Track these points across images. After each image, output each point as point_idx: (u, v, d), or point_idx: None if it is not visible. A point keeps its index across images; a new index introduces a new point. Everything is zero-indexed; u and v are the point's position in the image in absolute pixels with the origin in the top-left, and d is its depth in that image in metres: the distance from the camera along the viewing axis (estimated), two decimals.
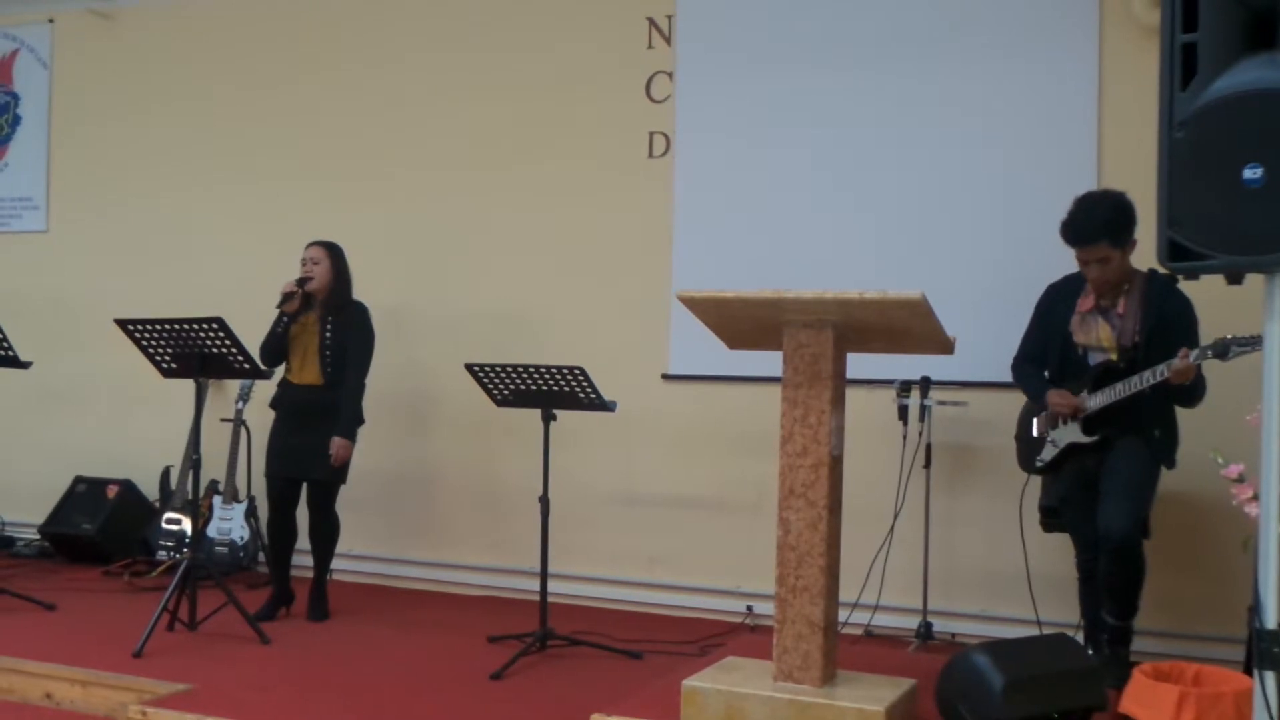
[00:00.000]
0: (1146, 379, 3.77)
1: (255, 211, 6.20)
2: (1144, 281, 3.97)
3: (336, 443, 4.82)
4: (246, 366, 4.58)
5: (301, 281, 4.92)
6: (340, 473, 4.94)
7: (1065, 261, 4.09)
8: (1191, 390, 3.78)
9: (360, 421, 4.98)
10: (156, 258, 6.45)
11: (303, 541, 5.03)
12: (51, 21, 6.85)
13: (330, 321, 4.94)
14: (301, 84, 6.18)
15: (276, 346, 4.93)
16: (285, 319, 4.92)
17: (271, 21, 6.28)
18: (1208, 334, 3.83)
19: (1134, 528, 3.80)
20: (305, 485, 4.95)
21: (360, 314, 5.01)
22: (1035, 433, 4.19)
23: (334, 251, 5.02)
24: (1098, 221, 3.90)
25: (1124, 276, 3.97)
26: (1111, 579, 3.88)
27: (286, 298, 4.90)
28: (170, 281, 6.32)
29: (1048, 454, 4.12)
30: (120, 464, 6.32)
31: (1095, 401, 3.94)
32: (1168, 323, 3.88)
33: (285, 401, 4.99)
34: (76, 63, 6.78)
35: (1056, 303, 4.14)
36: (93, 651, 4.23)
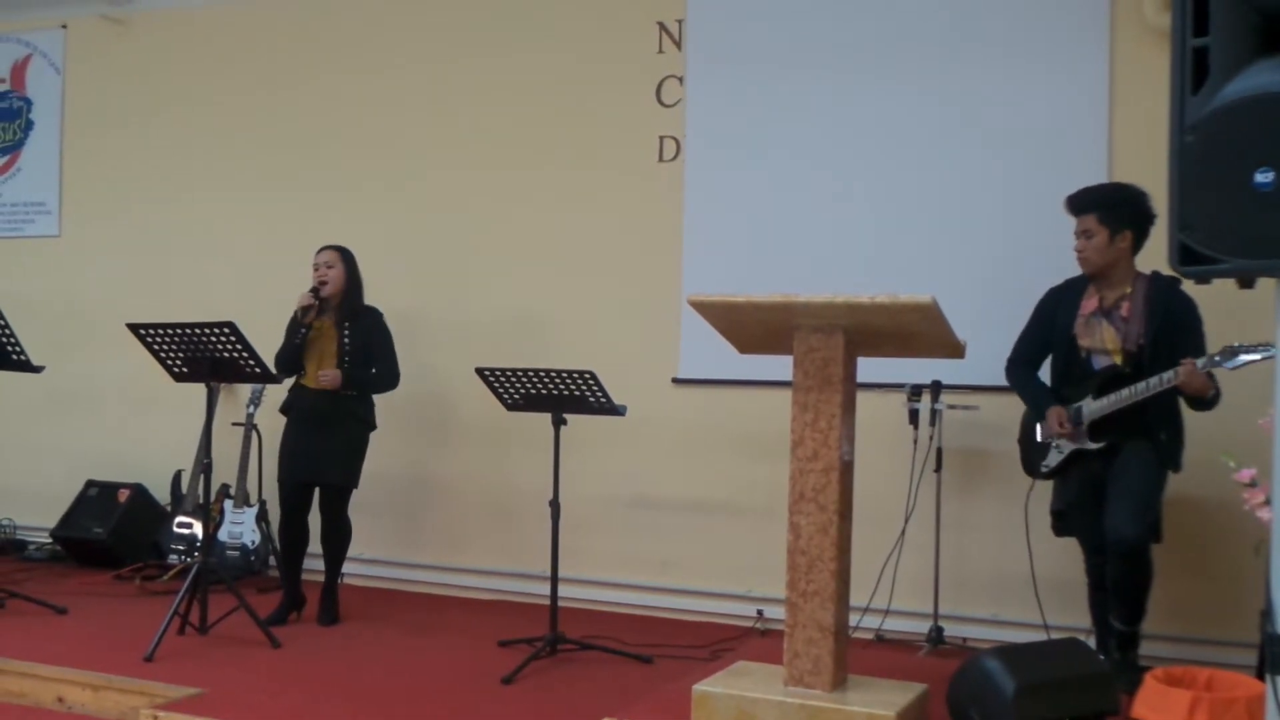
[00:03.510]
0: (1153, 385, 3.76)
1: (266, 216, 6.23)
2: (1147, 284, 3.97)
3: (331, 374, 4.84)
4: (258, 371, 4.59)
5: (317, 292, 4.93)
6: (352, 477, 4.96)
7: (1076, 266, 4.10)
8: (1210, 399, 3.77)
9: (372, 425, 5.03)
10: (168, 262, 6.48)
11: (314, 545, 5.04)
12: (64, 27, 6.89)
13: (348, 326, 4.96)
14: (312, 89, 6.21)
15: (295, 357, 4.93)
16: (304, 330, 4.92)
17: (282, 27, 6.31)
18: (1217, 337, 3.83)
19: (1142, 531, 3.80)
20: (318, 490, 4.97)
21: (377, 318, 5.05)
22: (1039, 438, 4.18)
23: (346, 255, 5.04)
24: (1094, 194, 4.02)
25: (1110, 263, 3.97)
26: (1119, 583, 3.87)
27: (306, 311, 4.91)
28: (182, 286, 6.35)
29: (1053, 459, 4.11)
30: (132, 468, 6.34)
31: (1100, 406, 3.93)
32: (1173, 325, 3.89)
33: (299, 406, 5.00)
34: (89, 68, 6.81)
35: (1059, 306, 4.14)
36: (104, 655, 4.25)
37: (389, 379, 5.03)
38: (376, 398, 5.08)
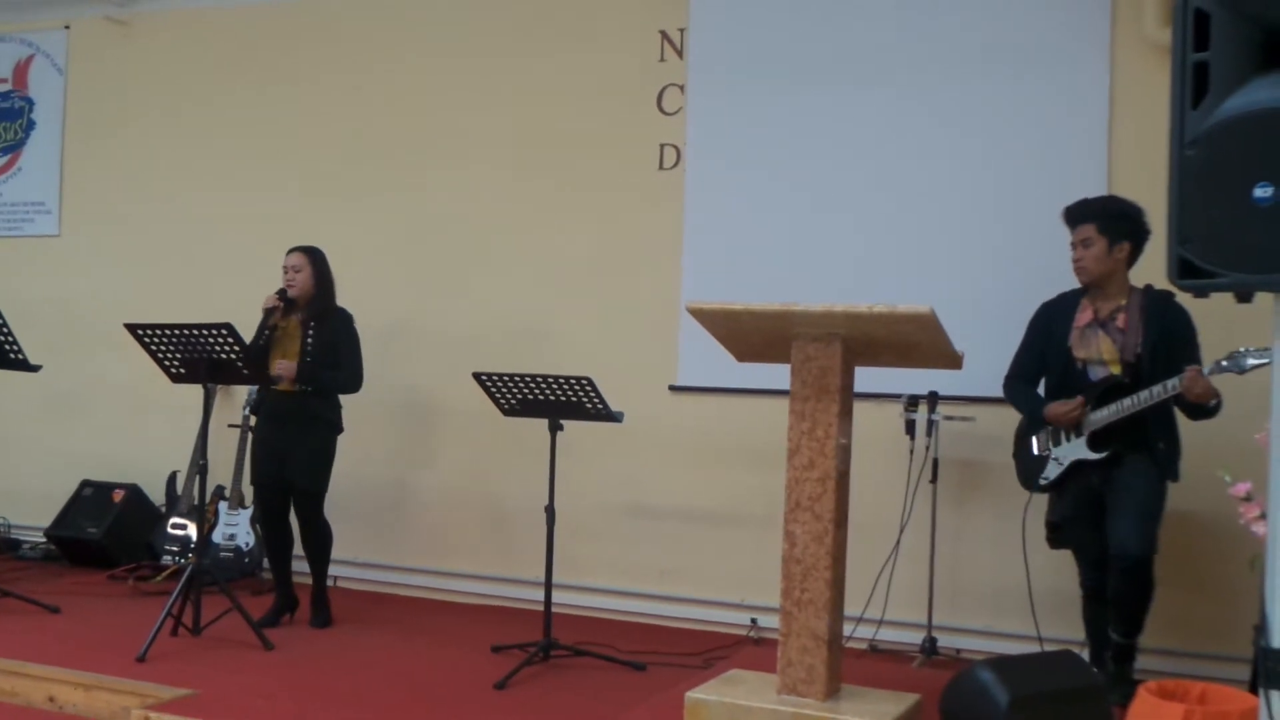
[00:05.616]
0: (1157, 394, 3.77)
1: (266, 218, 6.21)
2: (1141, 296, 3.99)
3: (285, 364, 4.80)
4: (255, 373, 4.58)
5: (282, 294, 4.92)
6: (319, 482, 4.91)
7: (1074, 280, 4.11)
8: (1213, 407, 3.78)
9: (338, 428, 4.98)
10: (167, 263, 6.48)
11: (301, 548, 5.03)
12: (67, 28, 6.89)
13: (313, 327, 4.93)
14: (313, 92, 6.21)
15: (260, 358, 4.88)
16: (268, 332, 4.91)
17: (284, 29, 6.31)
18: (1214, 349, 3.84)
19: (1147, 545, 3.80)
20: (291, 493, 4.94)
21: (345, 320, 4.99)
22: (1036, 451, 4.17)
23: (315, 256, 5.00)
24: (1093, 204, 4.05)
25: (1107, 273, 3.99)
26: (1121, 596, 3.88)
27: (269, 313, 4.90)
28: (181, 286, 6.34)
29: (1051, 471, 4.11)
30: (127, 468, 6.33)
31: (1100, 416, 3.93)
32: (1169, 336, 3.90)
33: (265, 407, 4.99)
34: (92, 69, 6.81)
35: (1053, 319, 4.15)
36: (96, 655, 4.24)
37: (349, 381, 4.96)
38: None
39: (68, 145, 6.86)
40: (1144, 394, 3.81)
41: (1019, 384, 4.26)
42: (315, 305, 4.95)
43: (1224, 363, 3.62)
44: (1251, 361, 3.56)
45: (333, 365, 4.90)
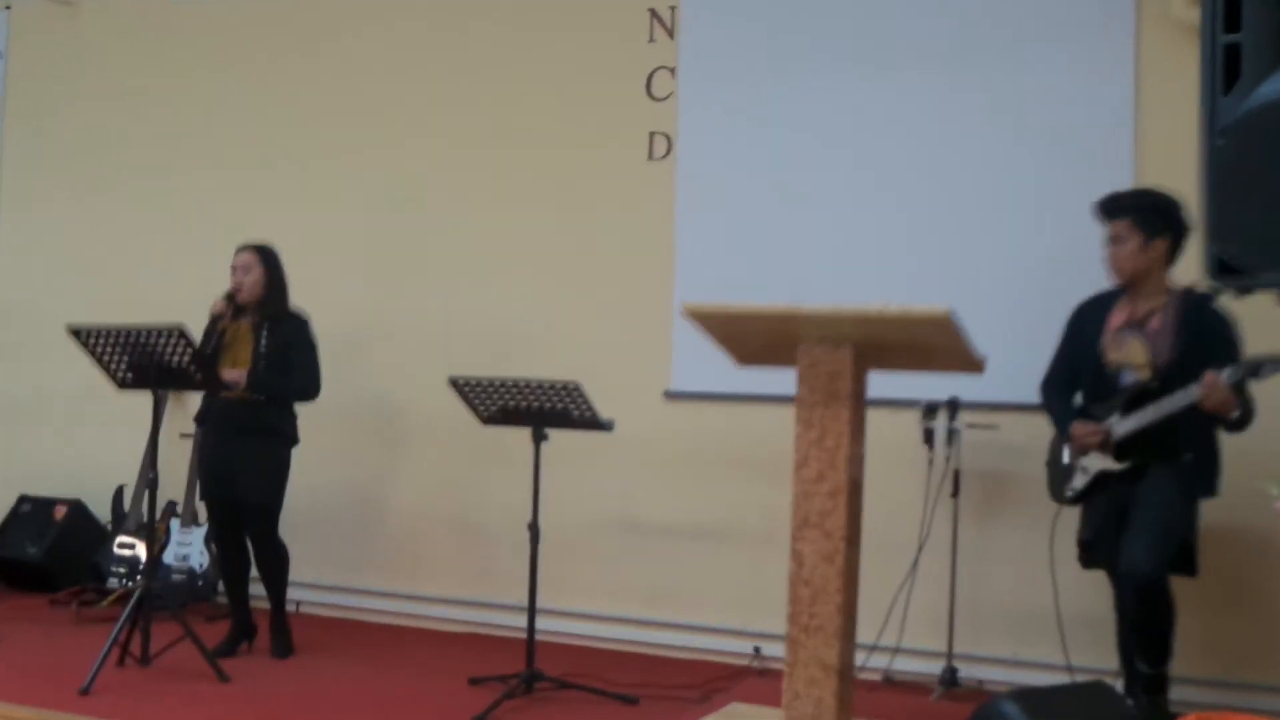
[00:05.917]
0: (1178, 401, 3.78)
1: (221, 213, 6.21)
2: (1179, 298, 4.02)
3: (235, 372, 4.81)
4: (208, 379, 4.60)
5: (230, 296, 4.94)
6: (273, 496, 4.93)
7: (1103, 274, 4.14)
8: (1240, 418, 3.80)
9: (293, 439, 5.00)
10: (115, 261, 6.48)
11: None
12: (8, 8, 6.90)
13: (266, 331, 4.94)
14: (271, 79, 6.23)
15: (209, 365, 4.90)
16: (216, 338, 4.93)
17: (239, 13, 6.33)
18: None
19: (1157, 565, 3.80)
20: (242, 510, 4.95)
21: (300, 325, 5.01)
22: (1066, 460, 4.21)
23: (266, 255, 5.01)
24: (1126, 199, 4.09)
25: (1142, 271, 4.02)
26: (1138, 622, 3.90)
27: (215, 319, 4.93)
28: (129, 286, 6.34)
29: (1078, 482, 4.14)
30: (71, 482, 6.33)
31: (1128, 425, 3.96)
32: (1204, 340, 3.90)
33: (212, 416, 5.01)
34: (33, 52, 6.83)
35: (1087, 320, 4.19)
36: (36, 687, 4.25)
37: (305, 389, 4.98)
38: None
39: (7, 135, 6.87)
40: (1166, 401, 3.84)
41: (1054, 390, 4.30)
42: (267, 308, 4.97)
43: (1242, 369, 3.63)
44: (1270, 369, 3.56)
45: (283, 370, 4.92)
